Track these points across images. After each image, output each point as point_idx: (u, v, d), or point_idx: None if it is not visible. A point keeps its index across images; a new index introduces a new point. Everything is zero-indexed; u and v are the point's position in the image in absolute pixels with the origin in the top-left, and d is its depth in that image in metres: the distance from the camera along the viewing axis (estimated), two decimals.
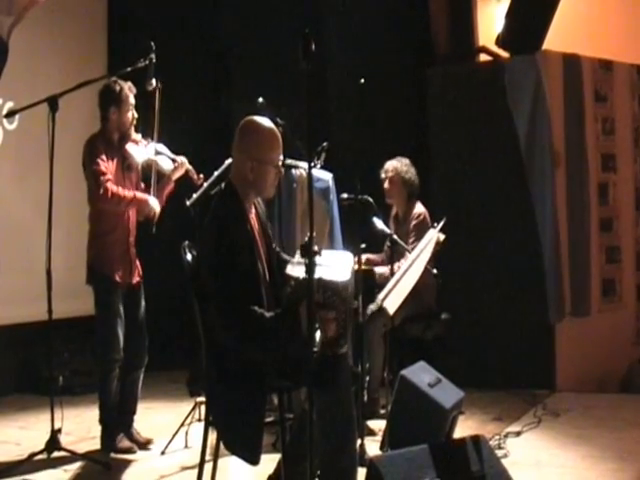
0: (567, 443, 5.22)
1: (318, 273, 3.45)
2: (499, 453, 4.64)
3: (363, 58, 7.25)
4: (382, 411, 5.68)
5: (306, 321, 3.30)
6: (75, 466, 4.89)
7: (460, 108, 7.08)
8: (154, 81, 5.09)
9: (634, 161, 7.39)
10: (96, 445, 5.19)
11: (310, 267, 3.27)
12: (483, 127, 6.97)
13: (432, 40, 7.43)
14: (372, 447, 4.97)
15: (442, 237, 5.53)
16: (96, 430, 5.26)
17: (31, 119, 5.89)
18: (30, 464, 4.77)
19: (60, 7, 7.07)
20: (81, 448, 5.11)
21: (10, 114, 5.98)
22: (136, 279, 5.28)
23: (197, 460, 3.89)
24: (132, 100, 5.18)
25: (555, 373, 6.65)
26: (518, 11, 6.85)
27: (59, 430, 4.84)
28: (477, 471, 3.83)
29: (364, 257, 5.33)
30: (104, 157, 5.07)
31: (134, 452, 5.13)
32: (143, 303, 5.30)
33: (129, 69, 5.13)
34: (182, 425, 5.26)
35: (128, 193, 5.11)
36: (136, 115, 5.22)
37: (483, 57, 7.38)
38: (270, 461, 4.02)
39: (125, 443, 5.15)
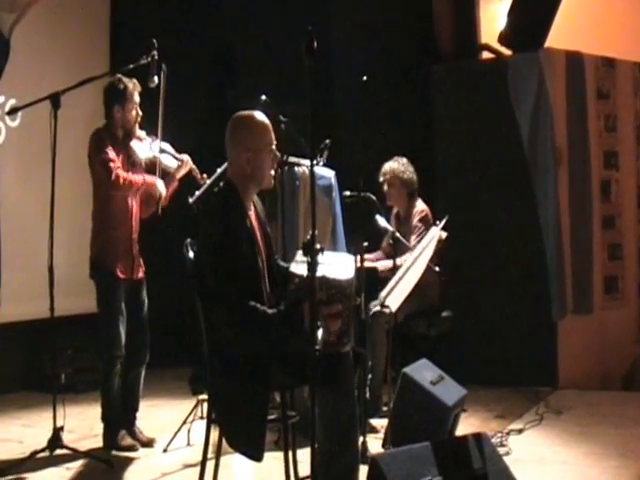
0: (569, 440, 5.22)
1: (321, 271, 3.45)
2: (501, 450, 4.62)
3: (366, 56, 7.24)
4: (384, 408, 5.68)
5: (309, 319, 3.30)
6: (77, 464, 4.89)
7: (463, 105, 7.08)
8: (156, 78, 5.07)
9: (636, 158, 7.38)
10: (99, 443, 5.19)
11: (312, 264, 3.27)
12: (486, 124, 6.97)
13: (435, 38, 7.42)
14: (374, 444, 4.97)
15: (444, 235, 5.53)
16: (99, 428, 5.26)
17: (33, 116, 5.88)
18: (33, 462, 4.76)
19: (63, 5, 7.06)
20: (83, 446, 5.10)
21: (12, 111, 5.98)
22: (139, 276, 5.27)
23: (199, 457, 3.89)
24: (137, 98, 5.16)
25: (558, 370, 6.65)
26: (521, 9, 6.85)
27: (62, 428, 4.85)
28: (479, 468, 3.82)
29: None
30: (111, 149, 5.08)
31: (136, 450, 5.12)
32: (146, 300, 5.29)
33: (131, 66, 5.12)
34: (184, 422, 5.26)
35: (138, 177, 5.13)
36: (140, 113, 5.22)
37: (486, 55, 7.36)
38: (272, 459, 4.01)
39: (127, 440, 5.15)
